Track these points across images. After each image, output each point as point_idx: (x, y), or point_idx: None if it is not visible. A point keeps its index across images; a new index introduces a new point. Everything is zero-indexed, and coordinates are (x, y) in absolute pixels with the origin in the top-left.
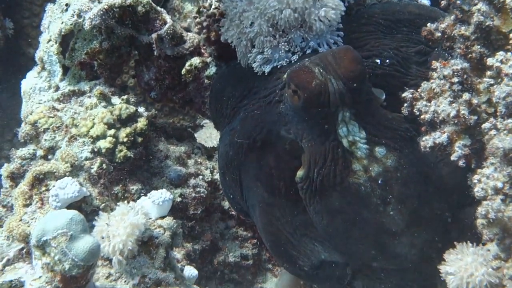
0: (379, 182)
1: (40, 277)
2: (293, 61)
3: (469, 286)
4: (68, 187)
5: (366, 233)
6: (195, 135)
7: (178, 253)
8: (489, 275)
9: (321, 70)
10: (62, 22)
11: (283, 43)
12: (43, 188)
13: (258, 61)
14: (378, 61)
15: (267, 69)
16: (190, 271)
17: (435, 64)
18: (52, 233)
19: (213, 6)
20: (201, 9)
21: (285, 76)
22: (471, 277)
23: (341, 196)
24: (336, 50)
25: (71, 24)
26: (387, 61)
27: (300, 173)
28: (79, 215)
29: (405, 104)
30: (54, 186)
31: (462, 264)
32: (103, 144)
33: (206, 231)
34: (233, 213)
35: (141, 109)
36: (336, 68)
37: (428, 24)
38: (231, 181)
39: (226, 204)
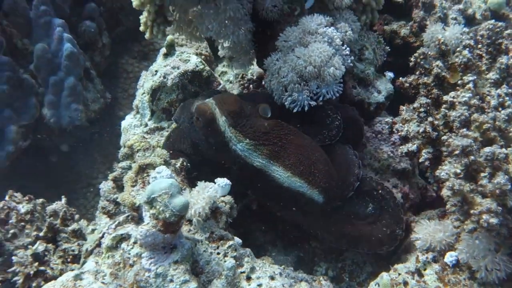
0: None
1: (148, 223)
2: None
3: (431, 245)
4: (163, 172)
5: None
6: None
7: None
8: (446, 237)
9: (215, 106)
10: (153, 81)
11: (305, 90)
12: (145, 175)
13: (289, 101)
14: None
15: (295, 108)
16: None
17: (402, 107)
18: (158, 192)
19: (249, 76)
20: (243, 75)
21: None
22: (433, 239)
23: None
24: (226, 95)
25: (159, 82)
26: None
27: None
28: (176, 181)
29: (387, 126)
30: (153, 172)
31: (426, 232)
32: None
33: None
34: None
35: None
36: (224, 105)
37: (400, 78)
38: None
39: None
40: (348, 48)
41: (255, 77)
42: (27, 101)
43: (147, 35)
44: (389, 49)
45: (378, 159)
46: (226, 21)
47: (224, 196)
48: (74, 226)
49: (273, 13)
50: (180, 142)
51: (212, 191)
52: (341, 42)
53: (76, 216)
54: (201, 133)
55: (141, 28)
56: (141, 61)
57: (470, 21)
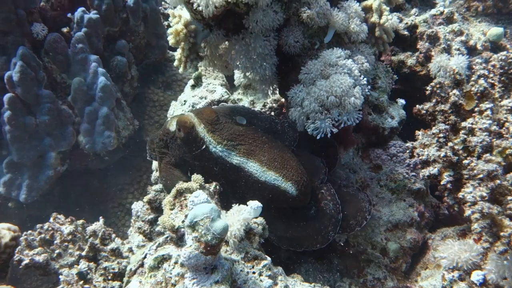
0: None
1: (190, 245)
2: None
3: (458, 264)
4: (200, 196)
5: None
6: None
7: None
8: (472, 257)
9: (193, 116)
10: (182, 110)
11: (328, 118)
12: (182, 198)
13: (311, 128)
14: None
15: (318, 135)
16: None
17: (418, 132)
18: (200, 217)
19: (270, 104)
20: (265, 103)
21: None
22: (459, 258)
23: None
24: (202, 108)
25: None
26: None
27: None
28: (216, 206)
29: (407, 151)
30: (190, 196)
31: (451, 251)
32: None
33: None
34: None
35: None
36: (202, 115)
37: (417, 106)
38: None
39: None
40: (365, 78)
41: (275, 105)
42: (65, 130)
43: (180, 70)
44: (397, 78)
45: (394, 180)
46: (255, 57)
47: (256, 217)
48: (112, 245)
49: (295, 48)
50: (170, 174)
51: (246, 214)
52: (359, 73)
53: (113, 235)
54: (182, 145)
55: (175, 63)
56: (165, 90)
57: (471, 51)
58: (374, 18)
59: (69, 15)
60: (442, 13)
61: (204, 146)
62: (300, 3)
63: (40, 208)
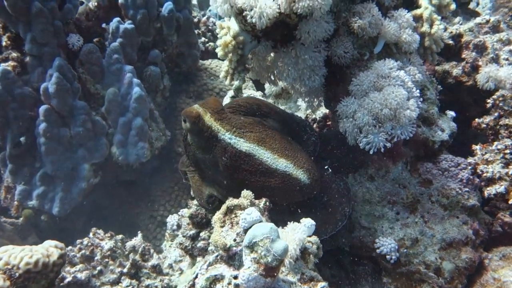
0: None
1: (249, 267)
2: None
3: None
4: (253, 213)
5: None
6: None
7: None
8: None
9: (198, 107)
10: None
11: (382, 132)
12: (233, 215)
13: (363, 143)
14: None
15: (371, 150)
16: None
17: (475, 146)
18: (260, 237)
19: (313, 115)
20: (308, 115)
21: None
22: None
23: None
24: (209, 99)
25: None
26: None
27: None
28: (275, 226)
29: (469, 167)
30: (242, 213)
31: None
32: None
33: None
34: None
35: None
36: (207, 105)
37: (476, 119)
38: None
39: None
40: (418, 90)
41: (318, 117)
42: (99, 141)
43: (227, 82)
44: (441, 88)
45: (447, 196)
46: (304, 69)
47: (310, 236)
48: (153, 261)
49: (345, 59)
50: (200, 192)
51: (302, 233)
52: (413, 85)
53: (151, 251)
54: (191, 138)
55: (221, 75)
56: (196, 100)
57: None
58: (425, 28)
59: (103, 25)
60: (488, 21)
61: (211, 134)
62: (350, 13)
63: (71, 220)
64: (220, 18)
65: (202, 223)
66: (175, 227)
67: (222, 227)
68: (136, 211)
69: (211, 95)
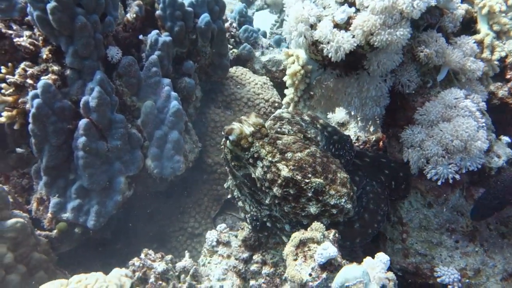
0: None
1: None
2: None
3: None
4: (329, 249)
5: None
6: None
7: None
8: None
9: (239, 123)
10: None
11: (452, 164)
12: (306, 248)
13: (432, 173)
14: None
15: (439, 181)
16: None
17: None
18: (352, 281)
19: (363, 138)
20: (358, 137)
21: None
22: None
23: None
24: (249, 115)
25: None
26: None
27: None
28: (365, 269)
29: None
30: (315, 246)
31: None
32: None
33: None
34: None
35: None
36: (249, 121)
37: None
38: None
39: None
40: (484, 119)
41: (372, 140)
42: (134, 154)
43: (290, 108)
44: (486, 109)
45: (505, 224)
46: (367, 99)
47: (386, 272)
48: (206, 284)
49: (410, 88)
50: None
51: (381, 272)
52: (480, 115)
53: (199, 269)
54: (230, 157)
55: (285, 101)
56: (224, 110)
57: None
58: (486, 54)
59: (140, 37)
60: None
61: (253, 155)
62: (415, 41)
63: (99, 231)
64: (239, 24)
65: (254, 246)
66: (214, 243)
67: (295, 260)
68: (166, 222)
69: (238, 105)
